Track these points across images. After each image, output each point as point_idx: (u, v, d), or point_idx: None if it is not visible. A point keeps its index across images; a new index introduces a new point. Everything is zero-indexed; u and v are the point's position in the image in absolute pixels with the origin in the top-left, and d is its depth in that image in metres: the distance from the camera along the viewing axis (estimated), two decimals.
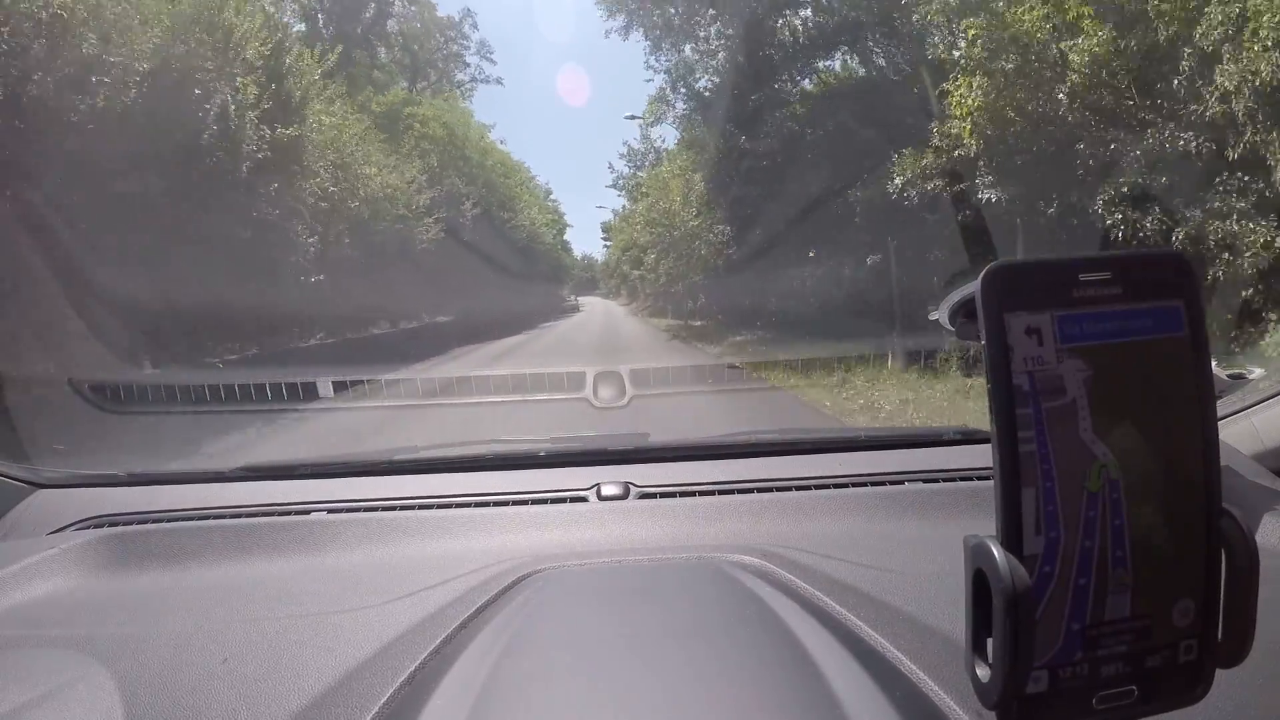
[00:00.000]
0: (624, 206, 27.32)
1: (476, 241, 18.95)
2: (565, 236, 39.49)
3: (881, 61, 12.91)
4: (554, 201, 35.74)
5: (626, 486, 1.23)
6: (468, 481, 1.31)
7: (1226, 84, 5.94)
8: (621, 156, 24.41)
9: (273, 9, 12.15)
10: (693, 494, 1.21)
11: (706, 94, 14.89)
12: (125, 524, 1.21)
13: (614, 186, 24.93)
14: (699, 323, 18.20)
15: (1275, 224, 5.96)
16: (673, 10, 14.34)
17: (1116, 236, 6.73)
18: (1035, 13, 7.51)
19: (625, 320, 26.52)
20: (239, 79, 8.60)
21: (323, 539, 1.13)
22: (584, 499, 1.22)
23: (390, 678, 0.70)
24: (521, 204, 25.86)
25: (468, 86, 26.14)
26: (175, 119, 7.55)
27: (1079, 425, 0.44)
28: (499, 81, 28.30)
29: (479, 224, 19.24)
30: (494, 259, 20.46)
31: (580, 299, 45.28)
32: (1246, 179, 6.20)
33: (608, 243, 36.55)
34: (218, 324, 8.61)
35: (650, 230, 19.29)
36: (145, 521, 1.22)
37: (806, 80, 13.94)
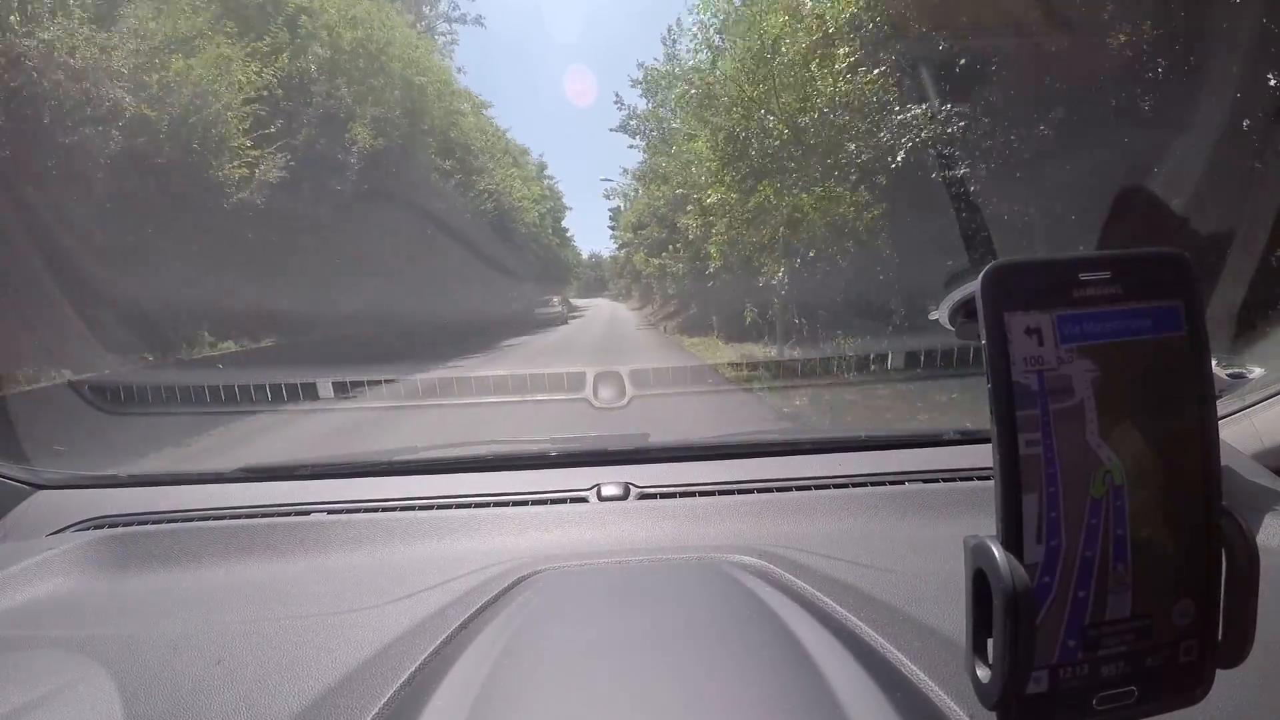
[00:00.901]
0: (638, 166, 18.34)
1: (383, 200, 11.58)
2: (565, 224, 30.68)
3: None
4: (550, 179, 27.72)
5: (626, 487, 1.23)
6: (468, 482, 1.31)
7: None
8: (634, 84, 15.71)
9: None
10: (693, 494, 1.21)
11: None
12: (125, 525, 1.21)
13: (623, 130, 16.20)
14: (799, 354, 8.40)
15: None
16: None
17: None
18: None
19: (635, 335, 17.71)
20: None
21: (323, 540, 1.13)
22: (584, 499, 1.22)
23: (390, 679, 0.70)
24: (488, 157, 17.67)
25: (447, 36, 19.61)
26: None
27: (1085, 428, 0.43)
28: (479, 21, 22.70)
29: (390, 169, 11.89)
30: (425, 232, 13.03)
31: (583, 301, 38.80)
32: None
33: (614, 229, 27.38)
34: None
35: (713, 129, 8.98)
36: (145, 523, 1.22)
37: None
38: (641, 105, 15.85)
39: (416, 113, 13.63)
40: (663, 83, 13.94)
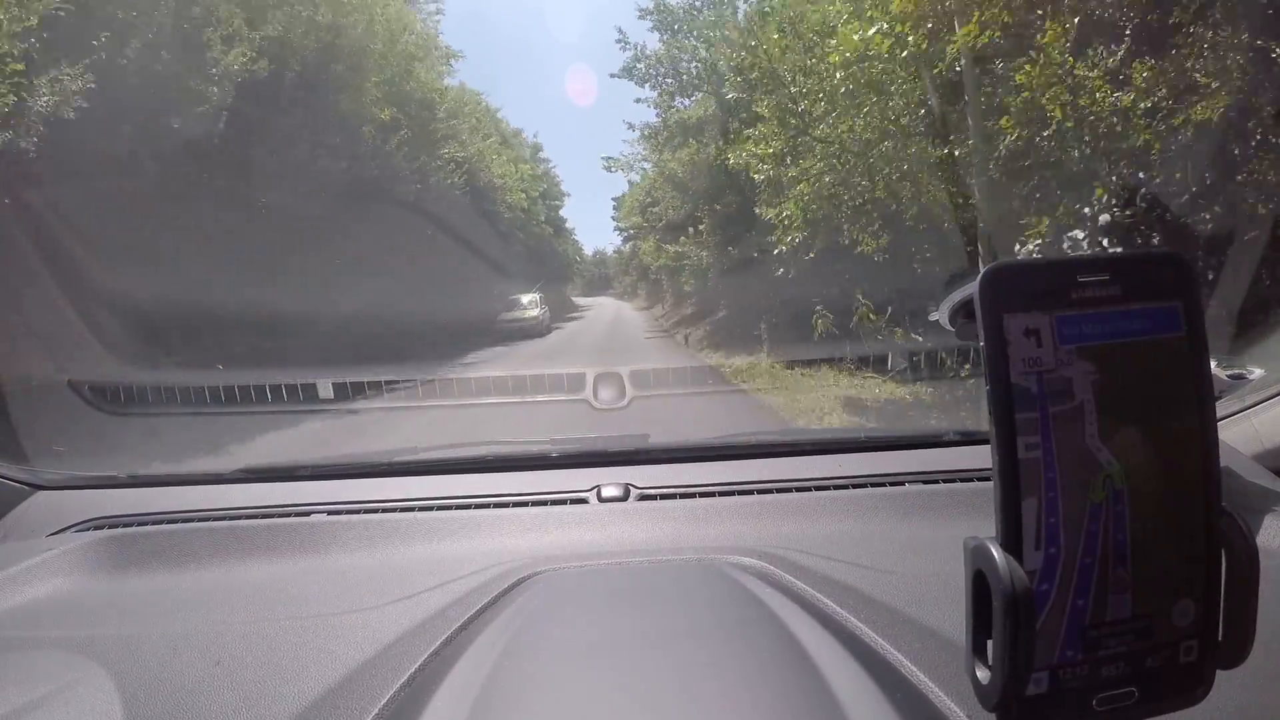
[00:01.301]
0: (653, 122, 14.43)
1: (268, 149, 8.62)
2: (563, 215, 27.37)
3: None
4: (545, 162, 24.15)
5: (626, 488, 1.23)
6: (468, 483, 1.31)
7: None
8: (642, 15, 12.38)
9: None
10: (693, 495, 1.21)
11: None
12: (125, 526, 1.22)
13: (627, 74, 13.25)
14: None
15: None
16: None
17: None
18: None
19: (645, 345, 13.31)
20: None
21: (322, 541, 1.13)
22: (584, 500, 1.22)
23: (390, 680, 0.70)
24: (460, 121, 14.49)
25: (432, 3, 15.68)
26: None
27: (1085, 430, 0.43)
28: None
29: (280, 106, 8.85)
30: (340, 202, 9.84)
31: (585, 300, 35.68)
32: None
33: (617, 213, 24.07)
34: None
35: None
36: (145, 523, 1.22)
37: None
38: (653, 43, 12.49)
39: (334, 38, 9.82)
40: (676, 18, 10.67)
